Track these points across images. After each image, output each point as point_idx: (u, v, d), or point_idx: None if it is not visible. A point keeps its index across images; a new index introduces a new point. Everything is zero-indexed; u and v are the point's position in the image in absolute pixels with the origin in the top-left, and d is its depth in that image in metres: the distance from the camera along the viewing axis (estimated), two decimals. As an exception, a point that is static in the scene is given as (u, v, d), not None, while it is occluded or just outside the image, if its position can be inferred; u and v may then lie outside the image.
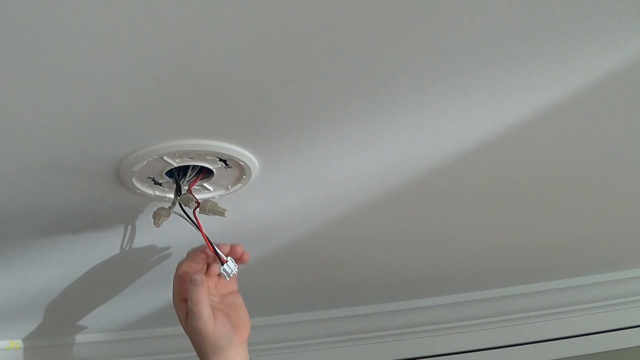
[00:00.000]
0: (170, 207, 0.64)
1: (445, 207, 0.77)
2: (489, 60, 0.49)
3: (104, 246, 0.78)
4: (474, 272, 1.05)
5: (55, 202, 0.64)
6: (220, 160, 0.58)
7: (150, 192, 0.63)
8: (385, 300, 1.17)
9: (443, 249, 0.92)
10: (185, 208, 0.61)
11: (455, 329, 1.18)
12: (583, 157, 0.68)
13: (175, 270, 0.66)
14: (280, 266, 0.92)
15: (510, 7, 0.43)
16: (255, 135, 0.56)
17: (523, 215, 0.82)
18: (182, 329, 0.64)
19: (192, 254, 0.66)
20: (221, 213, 0.61)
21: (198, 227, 0.62)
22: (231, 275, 0.63)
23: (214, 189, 0.65)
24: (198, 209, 0.61)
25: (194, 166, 0.60)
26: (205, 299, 0.62)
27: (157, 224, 0.63)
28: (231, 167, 0.60)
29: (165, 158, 0.57)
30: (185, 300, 0.63)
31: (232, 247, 0.66)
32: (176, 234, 0.75)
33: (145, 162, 0.57)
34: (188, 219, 0.62)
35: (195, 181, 0.62)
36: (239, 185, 0.64)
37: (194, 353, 0.64)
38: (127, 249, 0.79)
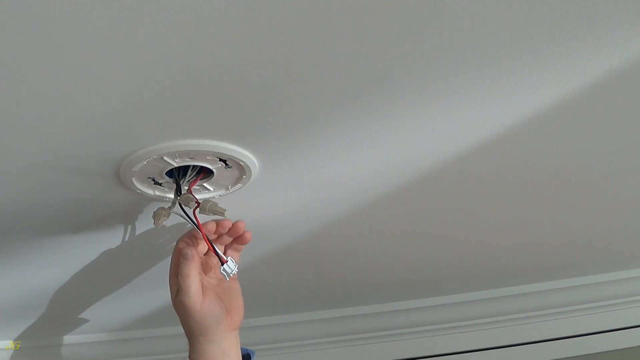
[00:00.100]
0: (170, 207, 0.64)
1: (445, 207, 0.77)
2: (489, 60, 0.49)
3: (103, 246, 0.78)
4: (474, 272, 1.05)
5: (55, 202, 0.64)
6: (220, 160, 0.58)
7: (150, 192, 0.63)
8: (385, 300, 1.17)
9: (443, 249, 0.92)
10: (185, 208, 0.61)
11: (455, 329, 1.18)
12: (583, 157, 0.68)
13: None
14: (280, 266, 0.92)
15: (510, 7, 0.43)
16: (255, 135, 0.56)
17: (523, 215, 0.82)
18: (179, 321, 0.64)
19: (195, 232, 0.65)
20: (221, 213, 0.61)
21: (198, 227, 0.62)
22: (231, 275, 0.63)
23: (214, 189, 0.65)
24: (198, 209, 0.61)
25: (194, 166, 0.60)
26: (194, 274, 0.61)
27: (157, 224, 0.63)
28: (231, 167, 0.60)
29: (165, 158, 0.57)
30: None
31: (234, 223, 0.65)
32: (176, 234, 0.75)
33: (145, 162, 0.57)
34: (188, 219, 0.62)
35: (195, 181, 0.62)
36: (239, 185, 0.64)
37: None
38: (127, 249, 0.79)
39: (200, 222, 0.62)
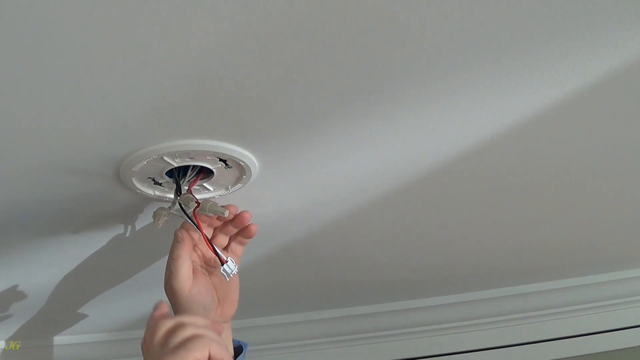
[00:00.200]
0: (170, 207, 0.64)
1: (445, 207, 0.77)
2: (489, 60, 0.49)
3: (103, 246, 0.78)
4: (474, 272, 1.05)
5: (55, 202, 0.64)
6: (220, 160, 0.58)
7: (150, 192, 0.63)
8: (385, 300, 1.17)
9: (443, 249, 0.92)
10: (185, 208, 0.61)
11: (455, 329, 1.18)
12: (583, 157, 0.68)
13: None
14: (281, 266, 0.92)
15: (510, 7, 0.43)
16: (255, 135, 0.56)
17: (523, 215, 0.82)
18: None
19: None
20: (221, 213, 0.61)
21: (198, 227, 0.62)
22: (231, 275, 0.63)
23: (214, 189, 0.65)
24: (198, 209, 0.61)
25: (194, 166, 0.60)
26: (184, 257, 0.61)
27: (157, 224, 0.63)
28: (231, 167, 0.60)
29: (165, 158, 0.57)
30: None
31: (240, 213, 0.64)
32: (176, 234, 0.75)
33: (145, 162, 0.57)
34: (188, 219, 0.62)
35: (195, 181, 0.62)
36: (239, 185, 0.64)
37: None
38: (127, 248, 0.79)
39: (201, 223, 0.62)
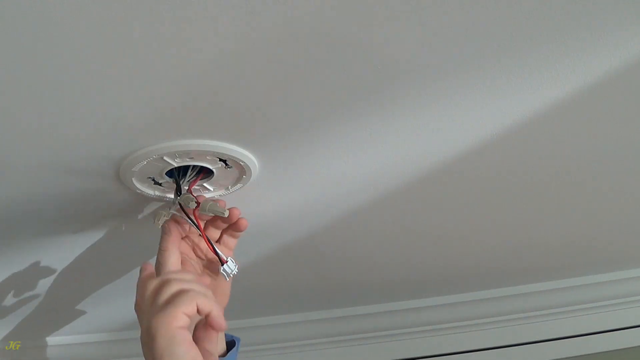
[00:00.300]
0: (170, 207, 0.64)
1: (445, 207, 0.77)
2: (489, 60, 0.49)
3: (103, 246, 0.78)
4: (474, 272, 1.05)
5: (55, 202, 0.64)
6: (220, 160, 0.58)
7: (150, 192, 0.63)
8: (385, 300, 1.17)
9: (443, 249, 0.92)
10: (185, 208, 0.61)
11: (455, 329, 1.18)
12: (583, 157, 0.68)
13: None
14: (280, 266, 0.92)
15: (510, 7, 0.43)
16: (255, 135, 0.56)
17: (523, 215, 0.82)
18: None
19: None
20: (221, 213, 0.61)
21: (198, 227, 0.62)
22: (231, 275, 0.63)
23: (214, 189, 0.65)
24: (198, 209, 0.61)
25: (194, 166, 0.60)
26: (172, 249, 0.61)
27: (157, 224, 0.63)
28: (231, 167, 0.60)
29: (165, 158, 0.57)
30: None
31: (229, 209, 0.64)
32: (176, 234, 0.75)
33: (145, 162, 0.57)
34: (188, 219, 0.62)
35: (195, 181, 0.62)
36: (239, 185, 0.64)
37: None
38: (127, 248, 0.79)
39: (201, 223, 0.62)
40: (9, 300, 0.93)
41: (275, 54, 0.45)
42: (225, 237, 0.66)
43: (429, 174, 0.67)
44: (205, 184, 0.63)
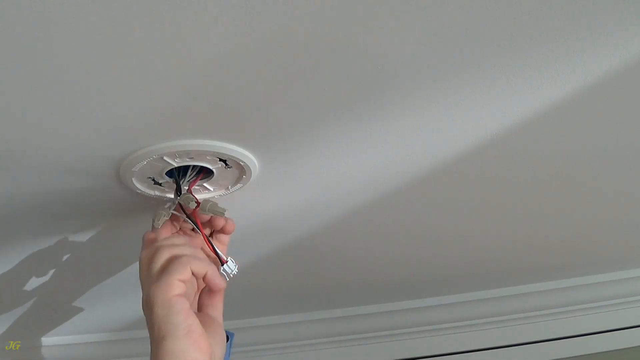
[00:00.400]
0: (170, 207, 0.64)
1: (445, 207, 0.77)
2: (489, 60, 0.49)
3: (103, 246, 0.78)
4: (474, 272, 1.05)
5: (55, 202, 0.64)
6: (220, 160, 0.58)
7: (150, 192, 0.63)
8: (385, 300, 1.17)
9: (443, 249, 0.92)
10: (185, 208, 0.61)
11: (455, 329, 1.18)
12: (583, 157, 0.68)
13: None
14: (280, 266, 0.92)
15: (510, 7, 0.43)
16: (255, 135, 0.56)
17: (523, 215, 0.82)
18: None
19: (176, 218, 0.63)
20: (221, 213, 0.61)
21: (198, 227, 0.62)
22: (231, 275, 0.63)
23: (214, 189, 0.65)
24: (198, 209, 0.61)
25: (194, 166, 0.60)
26: (165, 225, 0.60)
27: (157, 224, 0.63)
28: (231, 167, 0.60)
29: (165, 158, 0.57)
30: None
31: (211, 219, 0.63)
32: (176, 234, 0.75)
33: (145, 162, 0.57)
34: (188, 219, 0.62)
35: (195, 181, 0.62)
36: (239, 185, 0.64)
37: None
38: (127, 248, 0.79)
39: (201, 223, 0.62)
40: (9, 300, 0.93)
41: (275, 54, 0.45)
42: (218, 236, 0.66)
43: (429, 174, 0.67)
44: (205, 184, 0.63)
